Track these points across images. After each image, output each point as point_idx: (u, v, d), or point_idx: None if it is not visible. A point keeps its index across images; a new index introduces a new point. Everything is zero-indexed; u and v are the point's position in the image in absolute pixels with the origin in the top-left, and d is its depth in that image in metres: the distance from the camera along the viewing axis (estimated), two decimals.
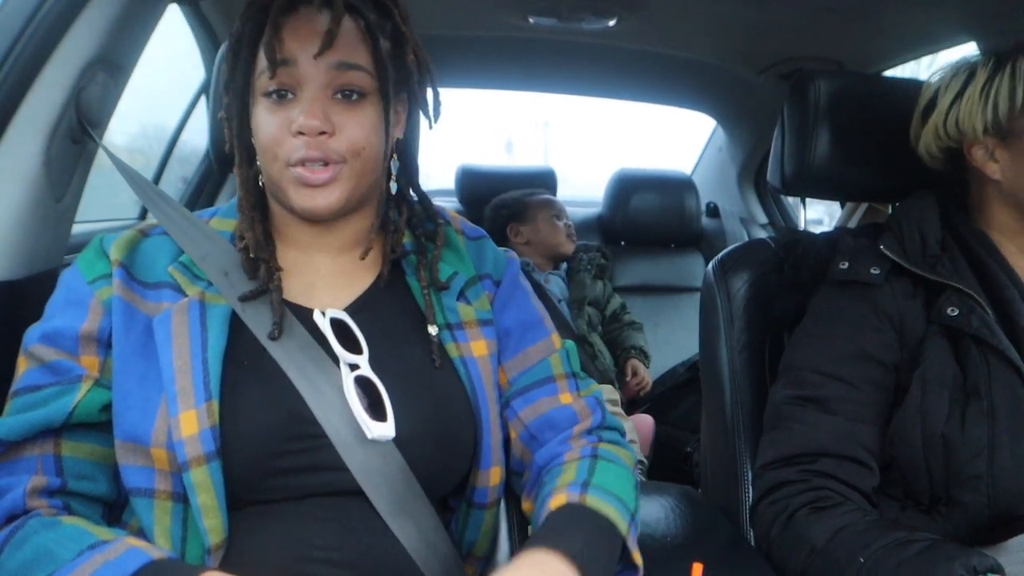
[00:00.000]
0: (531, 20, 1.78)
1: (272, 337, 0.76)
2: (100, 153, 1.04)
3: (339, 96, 0.77)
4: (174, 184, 2.08)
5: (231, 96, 0.79)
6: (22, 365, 0.76)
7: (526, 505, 0.87)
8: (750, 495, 1.08)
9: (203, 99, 1.97)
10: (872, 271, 1.02)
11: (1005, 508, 0.90)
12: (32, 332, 0.77)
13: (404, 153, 0.88)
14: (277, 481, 0.74)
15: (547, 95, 2.79)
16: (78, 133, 0.96)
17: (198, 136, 2.04)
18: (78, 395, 0.73)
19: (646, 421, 2.03)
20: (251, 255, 0.79)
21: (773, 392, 1.04)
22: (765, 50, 1.93)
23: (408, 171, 0.89)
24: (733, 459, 1.12)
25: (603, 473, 0.82)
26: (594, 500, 0.77)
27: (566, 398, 0.89)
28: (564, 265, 2.32)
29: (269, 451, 0.74)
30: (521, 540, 0.96)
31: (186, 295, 0.77)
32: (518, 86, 2.64)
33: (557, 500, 0.77)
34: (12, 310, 0.90)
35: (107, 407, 0.74)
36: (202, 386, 0.72)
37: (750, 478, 1.09)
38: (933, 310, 0.97)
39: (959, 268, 1.01)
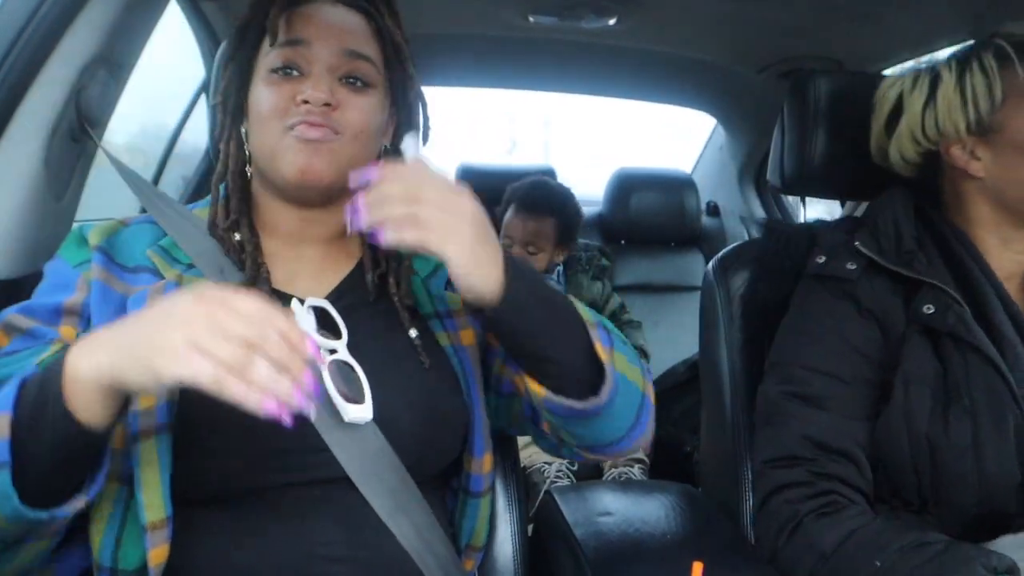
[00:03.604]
0: (531, 19, 1.78)
1: None
2: (100, 151, 1.04)
3: (346, 81, 0.79)
4: (174, 183, 2.08)
5: (230, 73, 0.81)
6: (2, 339, 0.76)
7: (546, 425, 0.84)
8: (750, 494, 1.08)
9: (203, 98, 1.97)
10: (848, 266, 1.01)
11: (993, 506, 0.89)
12: (11, 307, 0.77)
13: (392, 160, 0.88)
14: (264, 463, 0.74)
15: (548, 94, 2.78)
16: (78, 132, 0.97)
17: (198, 135, 2.03)
18: (45, 354, 0.73)
19: None
20: (240, 251, 0.80)
21: (764, 387, 1.03)
22: (765, 49, 1.93)
23: None
24: (733, 458, 1.12)
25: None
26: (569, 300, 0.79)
27: None
28: (560, 267, 2.30)
29: (248, 431, 0.72)
30: (522, 528, 0.97)
31: (163, 278, 0.78)
32: (517, 85, 2.64)
33: None
34: None
35: None
36: None
37: (750, 477, 1.09)
38: (911, 307, 0.97)
39: (935, 264, 1.00)
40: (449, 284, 0.89)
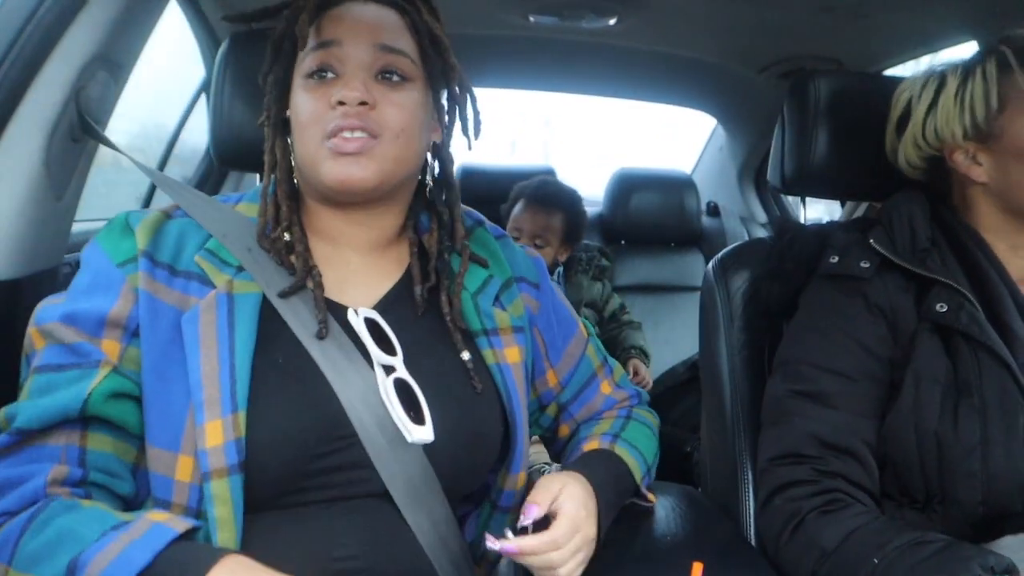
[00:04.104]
0: (531, 19, 1.78)
1: (320, 337, 0.76)
2: (101, 151, 1.04)
3: (381, 78, 0.78)
4: None
5: (269, 85, 0.81)
6: (39, 342, 0.73)
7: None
8: (751, 494, 1.08)
9: (203, 98, 1.97)
10: (862, 264, 1.01)
11: (999, 506, 0.90)
12: (51, 309, 0.73)
13: (442, 160, 0.88)
14: (305, 482, 0.74)
15: (548, 93, 2.78)
16: (78, 131, 0.97)
17: (198, 135, 2.03)
18: (94, 381, 0.70)
19: None
20: (290, 252, 0.79)
21: (771, 386, 1.04)
22: (765, 49, 1.93)
23: (446, 180, 0.88)
24: (733, 458, 1.12)
25: (632, 431, 0.95)
26: (621, 450, 0.91)
27: (606, 388, 1.00)
28: (560, 268, 2.30)
29: (301, 452, 0.73)
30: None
31: (214, 286, 0.76)
32: (518, 85, 2.64)
33: (591, 444, 0.92)
34: (12, 310, 0.90)
35: (117, 395, 0.72)
36: (229, 395, 0.71)
37: (750, 477, 1.09)
38: (923, 306, 0.97)
39: (948, 264, 1.01)
40: (496, 300, 0.88)
